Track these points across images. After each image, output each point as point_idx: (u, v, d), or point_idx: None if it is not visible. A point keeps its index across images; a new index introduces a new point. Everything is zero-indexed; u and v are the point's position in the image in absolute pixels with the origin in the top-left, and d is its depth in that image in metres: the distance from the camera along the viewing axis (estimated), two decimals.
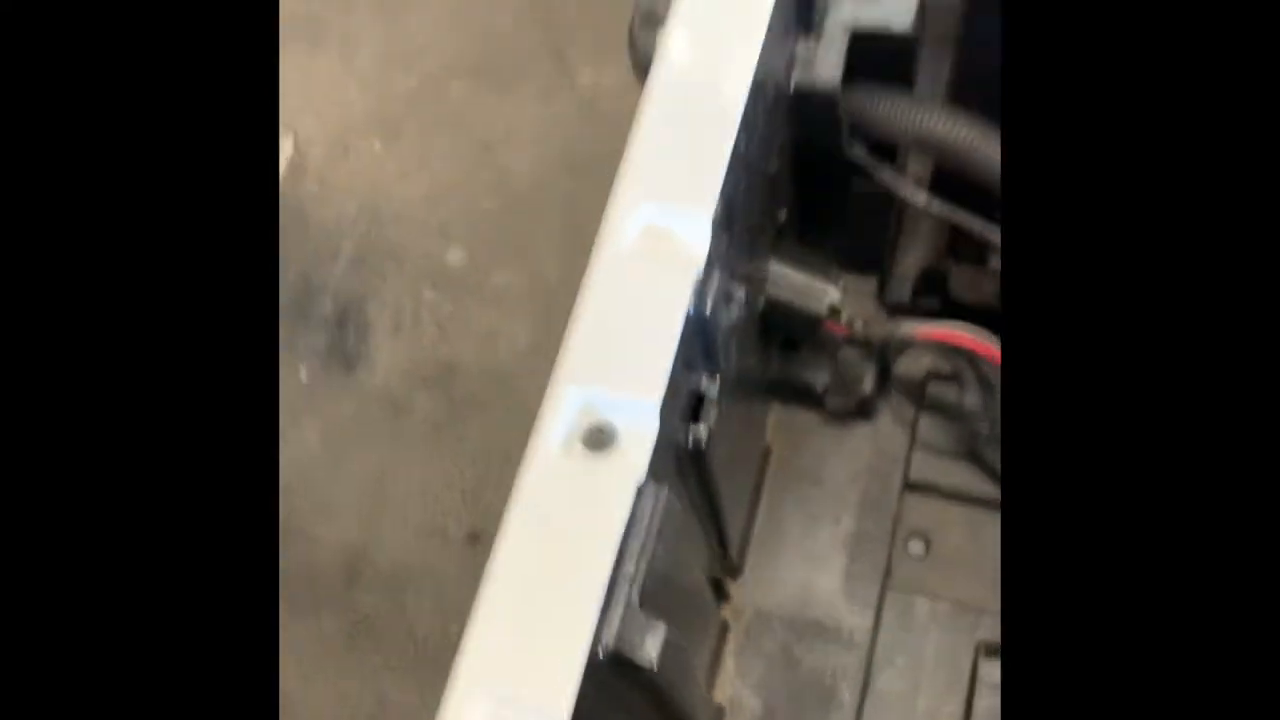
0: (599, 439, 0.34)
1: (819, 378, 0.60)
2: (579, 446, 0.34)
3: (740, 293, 0.44)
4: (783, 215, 0.53)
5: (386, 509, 0.58)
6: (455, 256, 0.64)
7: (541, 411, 0.34)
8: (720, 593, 0.58)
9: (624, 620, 0.35)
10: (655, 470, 0.37)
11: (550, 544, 0.32)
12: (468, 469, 0.59)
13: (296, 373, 0.60)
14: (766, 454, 0.61)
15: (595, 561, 0.32)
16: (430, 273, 0.64)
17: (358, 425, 0.60)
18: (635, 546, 0.36)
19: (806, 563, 0.59)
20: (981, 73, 0.47)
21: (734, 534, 0.56)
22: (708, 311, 0.37)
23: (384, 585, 0.57)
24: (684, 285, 0.35)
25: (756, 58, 0.38)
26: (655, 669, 0.35)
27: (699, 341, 0.39)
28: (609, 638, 0.34)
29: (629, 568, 0.35)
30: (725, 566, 0.58)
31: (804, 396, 0.60)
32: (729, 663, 0.57)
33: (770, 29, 0.38)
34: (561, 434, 0.34)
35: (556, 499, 0.33)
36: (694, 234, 0.36)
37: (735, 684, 0.57)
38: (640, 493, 0.35)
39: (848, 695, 0.55)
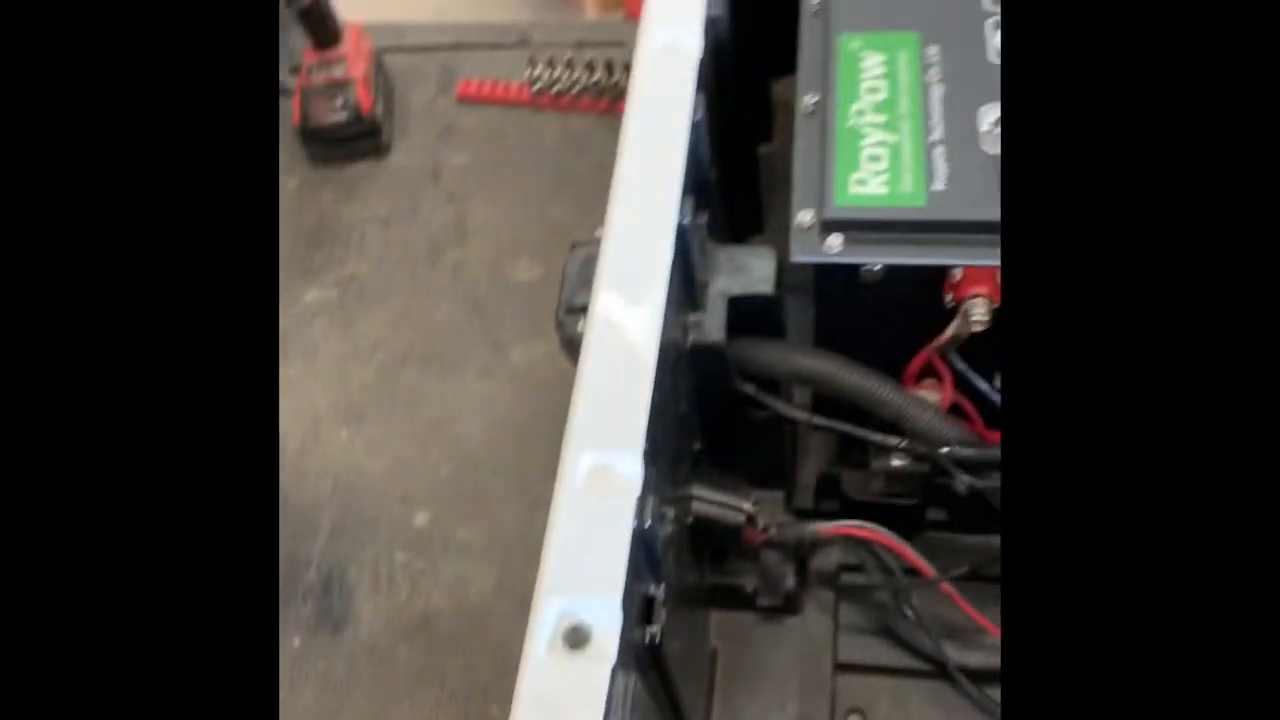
0: (576, 637, 0.43)
1: (748, 581, 0.69)
2: (560, 646, 0.43)
3: (671, 512, 0.54)
4: (697, 446, 0.64)
5: None
6: (421, 519, 0.73)
7: (530, 624, 0.43)
8: None
9: None
10: (623, 661, 0.46)
11: None
12: (450, 705, 0.66)
13: (291, 641, 0.67)
14: (714, 655, 0.69)
15: None
16: (401, 535, 0.73)
17: (349, 680, 0.67)
18: None
19: None
20: (835, 312, 0.60)
21: None
22: (646, 526, 0.47)
23: None
24: (627, 508, 0.45)
25: (659, 332, 0.50)
26: None
27: (644, 554, 0.49)
28: None
29: None
30: None
31: (737, 599, 0.70)
32: None
33: (666, 310, 0.51)
34: (546, 639, 0.43)
35: (548, 692, 0.41)
36: (629, 469, 0.46)
37: None
38: (614, 677, 0.44)
39: None
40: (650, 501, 0.48)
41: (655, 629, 0.51)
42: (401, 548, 0.72)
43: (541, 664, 0.42)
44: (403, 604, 0.70)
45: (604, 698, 0.41)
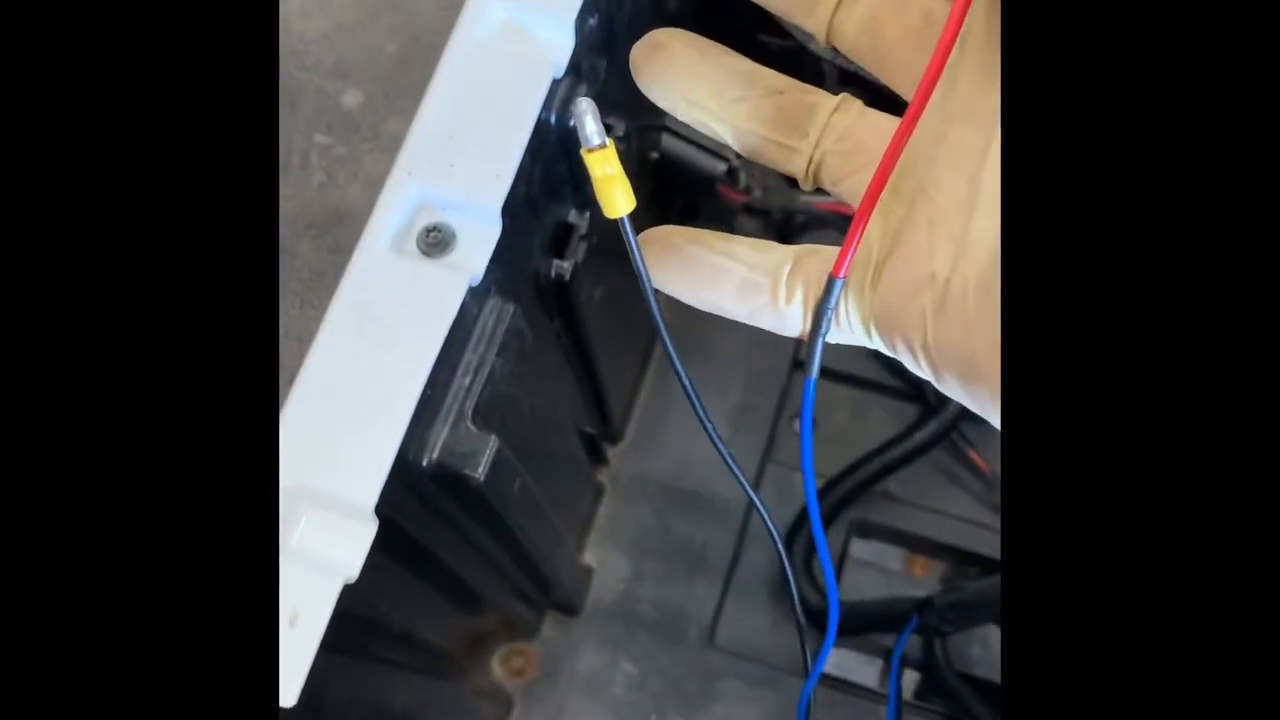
0: (434, 239, 0.32)
1: None
2: (411, 246, 0.32)
3: (621, 128, 0.42)
4: None
5: None
6: (351, 100, 0.61)
7: (375, 211, 0.32)
8: (598, 457, 0.57)
9: (453, 431, 0.33)
10: (502, 287, 0.36)
11: (371, 344, 0.31)
12: None
13: None
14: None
15: (416, 362, 0.30)
16: (325, 115, 0.61)
17: None
18: (471, 359, 0.34)
19: (687, 433, 0.58)
20: None
21: (615, 400, 0.55)
22: (570, 124, 0.35)
23: None
24: (538, 84, 0.33)
25: None
26: (483, 480, 0.33)
27: (564, 164, 0.38)
28: (434, 448, 0.33)
29: (463, 380, 0.34)
30: (606, 433, 0.57)
31: None
32: (601, 525, 0.56)
33: None
34: (394, 231, 0.32)
35: (383, 299, 0.31)
36: (554, 36, 0.34)
37: (606, 546, 0.56)
38: (476, 298, 0.33)
39: (716, 563, 0.55)
40: (583, 93, 0.36)
41: (566, 265, 0.41)
42: (323, 130, 0.61)
43: (379, 261, 0.31)
44: (313, 195, 0.60)
45: (449, 317, 0.31)
